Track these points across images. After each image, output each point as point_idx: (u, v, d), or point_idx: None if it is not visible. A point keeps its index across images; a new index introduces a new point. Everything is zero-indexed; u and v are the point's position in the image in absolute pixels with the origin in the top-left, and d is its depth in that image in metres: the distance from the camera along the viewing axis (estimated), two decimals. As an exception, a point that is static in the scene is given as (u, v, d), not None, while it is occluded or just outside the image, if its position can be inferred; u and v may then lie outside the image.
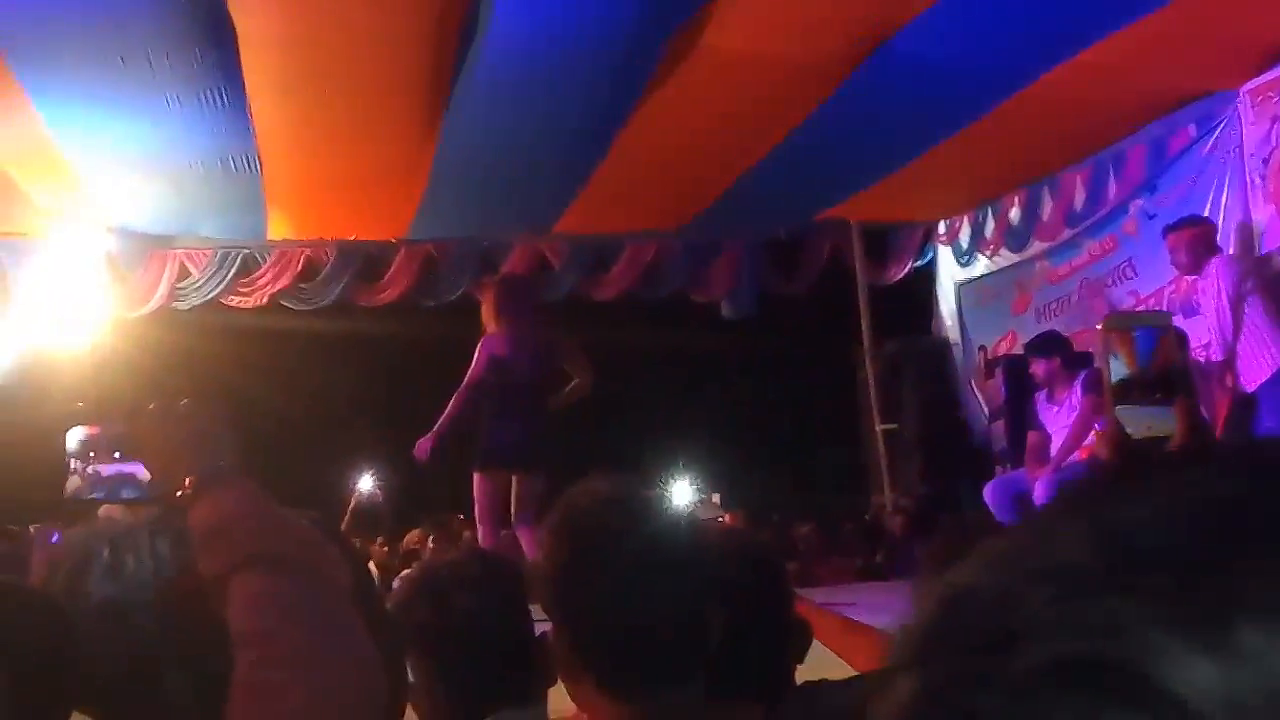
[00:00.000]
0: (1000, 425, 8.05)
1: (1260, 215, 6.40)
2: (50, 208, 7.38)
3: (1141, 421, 1.56)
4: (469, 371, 5.68)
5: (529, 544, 5.37)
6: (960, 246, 9.27)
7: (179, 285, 8.36)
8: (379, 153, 6.83)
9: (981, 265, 9.13)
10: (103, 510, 1.21)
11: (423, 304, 8.88)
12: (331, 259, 8.57)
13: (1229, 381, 5.65)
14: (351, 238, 8.51)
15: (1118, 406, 1.53)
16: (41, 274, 7.85)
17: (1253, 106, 6.42)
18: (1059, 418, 6.01)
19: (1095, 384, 6.04)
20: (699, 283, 9.27)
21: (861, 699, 0.36)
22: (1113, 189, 7.61)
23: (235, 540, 0.99)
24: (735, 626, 1.38)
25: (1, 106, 5.67)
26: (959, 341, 9.39)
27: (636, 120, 6.42)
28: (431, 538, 8.34)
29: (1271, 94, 6.30)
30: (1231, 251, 6.29)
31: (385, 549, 8.78)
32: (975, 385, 9.08)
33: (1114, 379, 1.55)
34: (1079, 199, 7.90)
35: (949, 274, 9.52)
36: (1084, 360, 6.43)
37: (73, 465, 1.19)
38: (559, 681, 1.46)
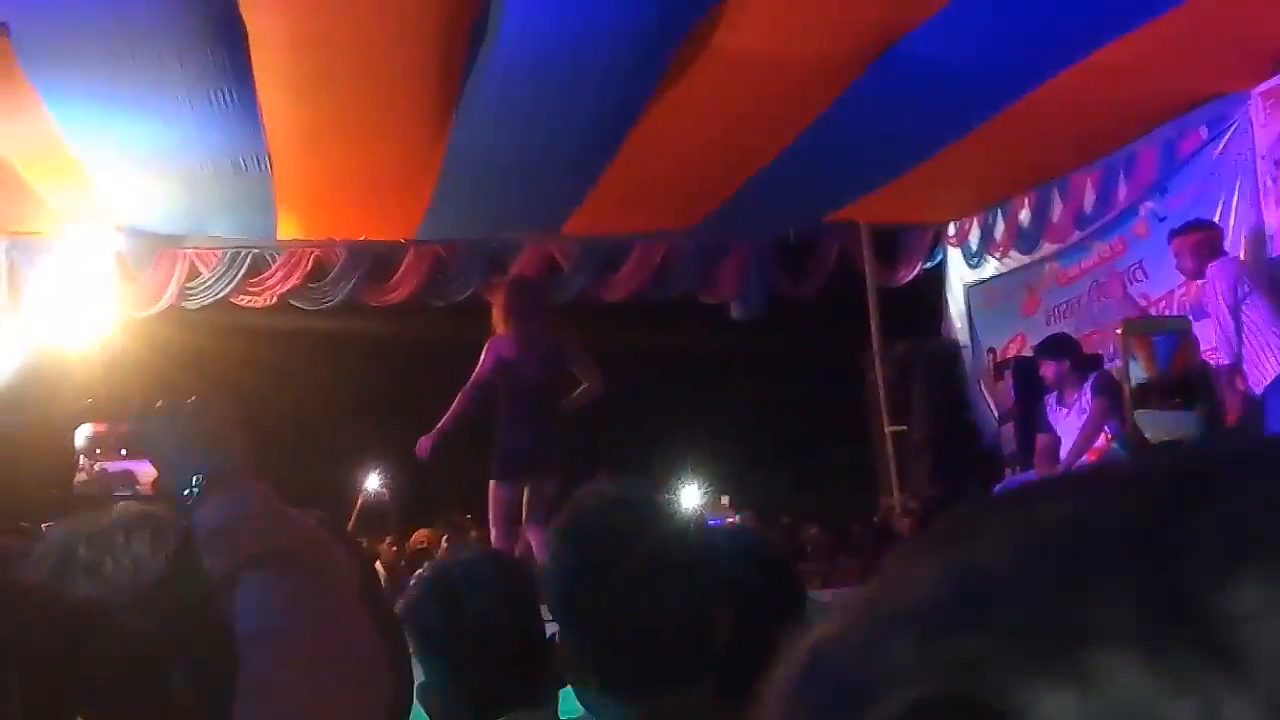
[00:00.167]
0: (1010, 427, 8.03)
1: (1272, 218, 6.38)
2: (61, 207, 7.40)
3: (1161, 426, 1.55)
4: (475, 372, 5.69)
5: (539, 546, 5.37)
6: (970, 248, 9.25)
7: (189, 285, 8.38)
8: (389, 153, 6.84)
9: (991, 267, 9.11)
10: (119, 505, 1.21)
11: (432, 304, 8.88)
12: (341, 259, 8.58)
13: (1239, 385, 5.63)
14: (361, 238, 8.52)
15: (1137, 411, 1.52)
16: (52, 273, 7.87)
17: (1265, 109, 6.39)
18: (1069, 420, 5.99)
19: (1105, 386, 6.03)
20: (708, 284, 9.26)
21: None
22: (1123, 191, 7.58)
23: (242, 539, 0.99)
24: (744, 626, 1.37)
25: (14, 106, 5.69)
26: (968, 343, 9.37)
27: (646, 121, 6.42)
28: (445, 537, 8.36)
29: (1284, 96, 6.28)
30: (1240, 255, 6.27)
31: (394, 549, 8.80)
32: (985, 387, 9.07)
33: (1133, 383, 1.54)
34: (1089, 201, 7.87)
35: (958, 276, 9.50)
36: (1094, 362, 6.42)
37: (81, 462, 1.19)
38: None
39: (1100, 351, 7.21)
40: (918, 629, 0.32)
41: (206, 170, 6.81)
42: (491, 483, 5.71)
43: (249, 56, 5.43)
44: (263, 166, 6.77)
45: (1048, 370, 6.17)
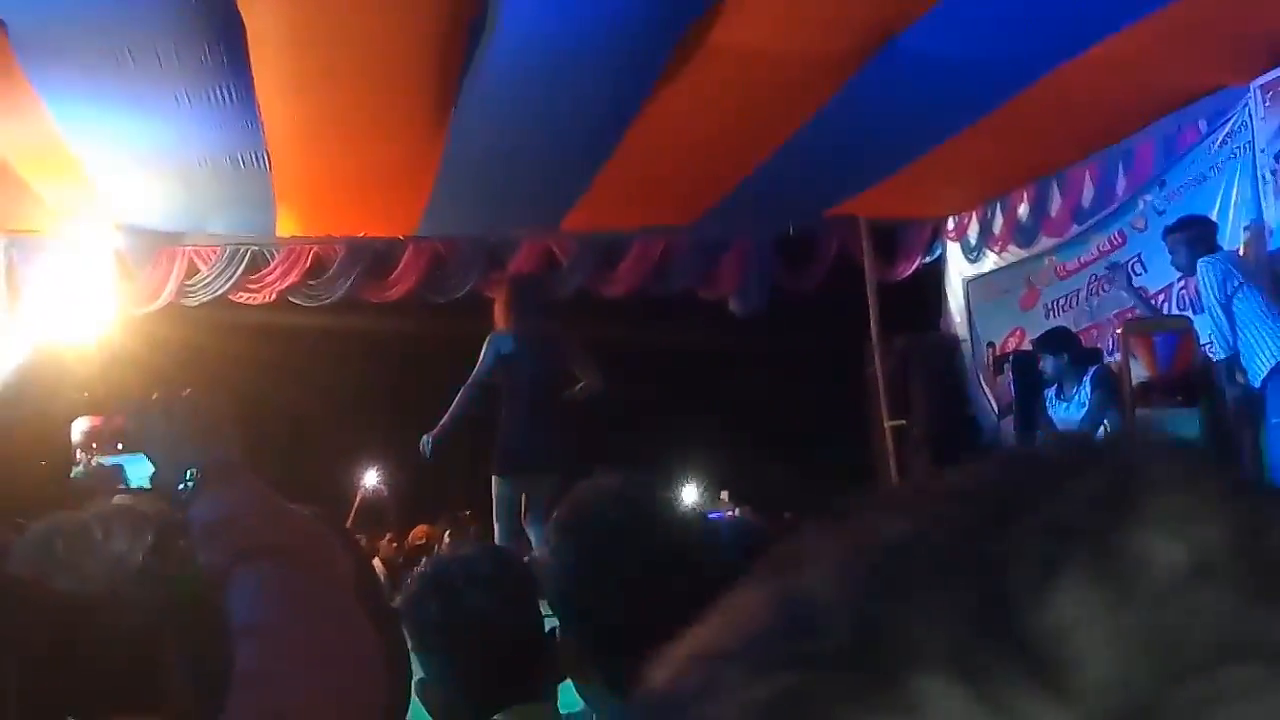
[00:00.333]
0: (1009, 422, 8.03)
1: (1271, 211, 6.37)
2: (59, 205, 7.39)
3: (1163, 426, 1.55)
4: (475, 368, 5.69)
5: (539, 542, 5.38)
6: (969, 243, 9.25)
7: (188, 282, 8.38)
8: (388, 150, 6.83)
9: (990, 261, 9.10)
10: (115, 499, 1.20)
11: (431, 301, 8.88)
12: (340, 255, 8.58)
13: (1239, 379, 5.63)
14: (360, 234, 8.52)
15: (1138, 410, 1.52)
16: (50, 271, 7.87)
17: (1264, 102, 6.38)
18: (1068, 414, 5.99)
19: (1104, 380, 6.03)
20: (708, 279, 9.26)
21: None
22: (1122, 185, 7.57)
23: (237, 533, 0.98)
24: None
25: (11, 104, 5.68)
26: (967, 338, 9.37)
27: (644, 117, 6.41)
28: (448, 533, 8.36)
29: (1283, 89, 6.27)
30: (1240, 249, 6.27)
31: (394, 545, 8.80)
32: (984, 381, 9.06)
33: (1134, 382, 1.54)
34: (1088, 195, 7.86)
35: (957, 270, 9.50)
36: (1092, 356, 6.41)
37: (77, 456, 1.18)
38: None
39: (1098, 345, 7.22)
40: (745, 665, 0.31)
41: (205, 167, 6.80)
42: (492, 478, 5.71)
43: (247, 53, 5.42)
44: (261, 164, 6.76)
45: (1047, 364, 6.18)
